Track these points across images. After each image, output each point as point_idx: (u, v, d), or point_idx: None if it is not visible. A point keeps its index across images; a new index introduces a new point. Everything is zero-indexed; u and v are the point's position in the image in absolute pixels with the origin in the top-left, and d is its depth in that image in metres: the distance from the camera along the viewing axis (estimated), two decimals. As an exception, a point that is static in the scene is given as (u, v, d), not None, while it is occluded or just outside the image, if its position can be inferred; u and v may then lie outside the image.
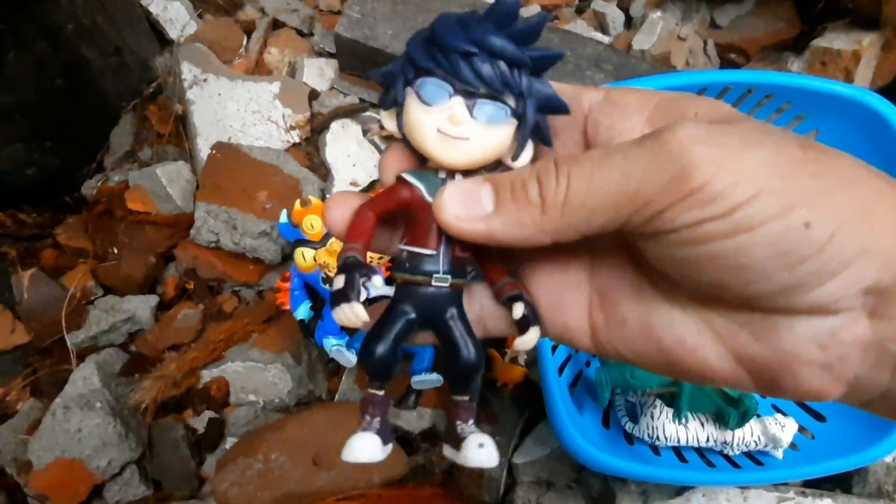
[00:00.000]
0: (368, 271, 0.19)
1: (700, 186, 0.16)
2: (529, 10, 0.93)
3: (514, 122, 0.20)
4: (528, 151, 0.20)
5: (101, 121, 0.83)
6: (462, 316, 0.21)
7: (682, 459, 0.64)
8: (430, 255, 0.20)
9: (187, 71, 0.84)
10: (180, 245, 0.76)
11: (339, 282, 0.19)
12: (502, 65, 0.19)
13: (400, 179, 0.20)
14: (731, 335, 0.19)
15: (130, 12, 0.84)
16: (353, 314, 0.18)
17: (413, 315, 0.20)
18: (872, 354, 0.17)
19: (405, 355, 0.17)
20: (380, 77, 0.21)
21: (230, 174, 0.75)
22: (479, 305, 0.22)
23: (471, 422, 0.20)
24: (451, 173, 0.20)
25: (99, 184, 0.80)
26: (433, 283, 0.20)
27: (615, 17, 0.93)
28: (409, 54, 0.19)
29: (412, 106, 0.19)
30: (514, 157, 0.20)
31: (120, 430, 0.63)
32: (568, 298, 0.22)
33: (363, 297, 0.19)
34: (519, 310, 0.20)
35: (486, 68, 0.18)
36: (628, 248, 0.21)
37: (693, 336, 0.19)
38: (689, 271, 0.18)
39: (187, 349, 0.71)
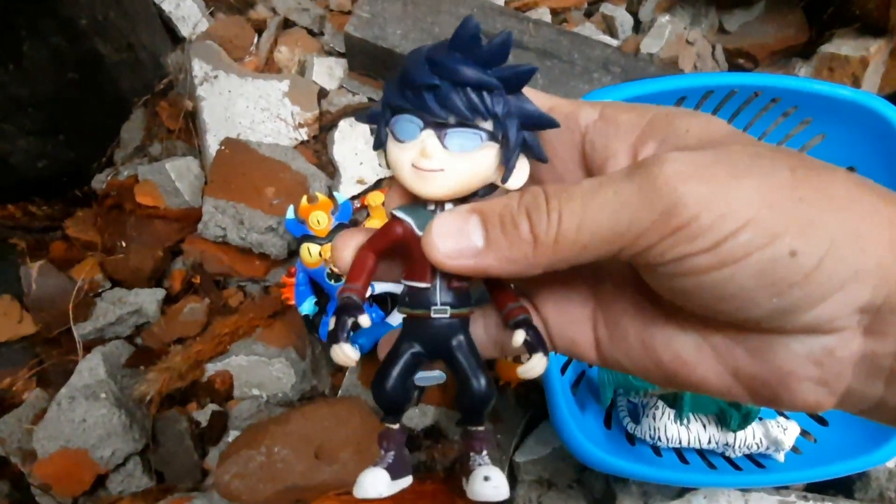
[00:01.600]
0: (357, 312, 0.19)
1: (688, 222, 0.16)
2: (538, 13, 0.94)
3: (494, 146, 0.19)
4: (522, 171, 0.20)
5: (113, 115, 0.84)
6: (469, 344, 0.20)
7: (684, 461, 0.64)
8: (426, 288, 0.20)
9: (198, 68, 0.85)
10: (188, 239, 0.76)
11: (332, 324, 0.20)
12: (469, 91, 0.18)
13: (391, 216, 0.20)
14: (728, 353, 0.19)
15: (143, 9, 0.85)
16: (342, 353, 0.19)
17: (418, 348, 0.20)
18: (865, 368, 0.18)
19: (418, 388, 0.18)
20: (366, 119, 0.21)
21: (238, 170, 0.76)
22: (495, 329, 0.22)
23: (484, 452, 0.20)
24: (441, 205, 0.20)
25: (109, 178, 0.81)
26: (432, 315, 0.20)
27: (624, 20, 0.94)
28: (384, 95, 0.20)
29: (389, 144, 0.20)
30: (504, 179, 0.20)
31: (124, 420, 0.63)
32: (574, 315, 0.22)
33: (354, 332, 0.19)
34: (520, 337, 0.19)
35: (451, 98, 0.18)
36: (629, 269, 0.21)
37: (691, 353, 0.20)
38: (682, 299, 0.18)
39: (192, 342, 0.72)
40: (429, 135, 0.18)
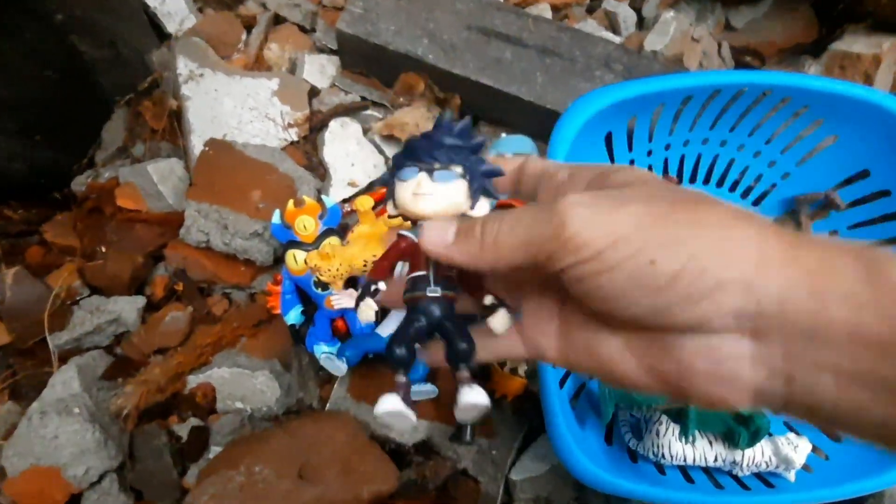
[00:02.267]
0: (378, 283, 0.30)
1: (571, 237, 0.21)
2: (539, 9, 0.90)
3: (464, 182, 0.28)
4: (484, 204, 0.29)
5: (94, 115, 0.81)
6: (454, 318, 0.28)
7: (689, 480, 0.61)
8: (423, 275, 0.29)
9: (183, 65, 0.82)
10: (170, 245, 0.73)
11: (360, 290, 0.30)
12: (447, 149, 0.28)
13: (399, 235, 0.30)
14: (643, 353, 0.24)
15: (127, 5, 0.82)
16: (366, 307, 0.29)
17: (423, 321, 0.28)
18: (763, 369, 0.21)
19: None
20: (381, 183, 0.28)
21: (223, 172, 0.72)
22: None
23: (467, 375, 0.27)
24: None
25: (89, 180, 0.77)
26: (428, 294, 0.28)
27: (627, 16, 0.90)
28: (393, 161, 0.30)
29: (397, 186, 0.29)
30: (472, 207, 0.29)
31: (99, 437, 0.60)
32: (545, 327, 0.28)
33: (374, 297, 0.29)
34: (488, 298, 0.28)
35: (436, 152, 0.28)
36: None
37: (618, 354, 0.25)
38: (587, 300, 0.23)
39: (174, 353, 0.68)
40: (423, 176, 0.28)
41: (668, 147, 0.68)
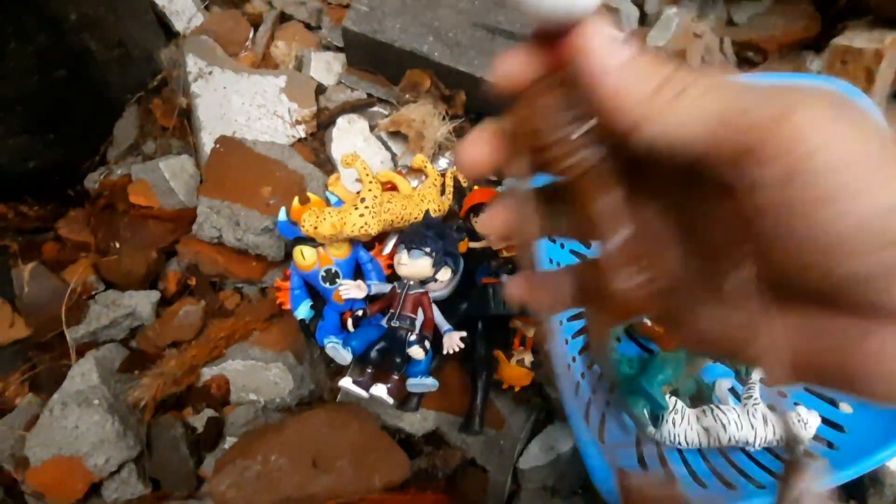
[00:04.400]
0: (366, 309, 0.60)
1: (800, 135, 0.15)
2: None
3: (429, 258, 0.54)
4: (445, 273, 0.52)
5: (105, 113, 0.82)
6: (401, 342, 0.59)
7: (701, 484, 0.61)
8: (392, 313, 0.57)
9: (192, 64, 0.83)
10: (183, 240, 0.74)
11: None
12: (421, 237, 0.56)
13: (392, 288, 0.56)
14: (808, 339, 0.17)
15: (135, 3, 0.83)
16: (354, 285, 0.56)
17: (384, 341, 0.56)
18: None
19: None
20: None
21: (233, 169, 0.74)
22: None
23: (395, 377, 0.58)
24: (408, 281, 0.62)
25: (102, 177, 0.79)
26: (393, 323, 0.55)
27: (630, 12, 0.91)
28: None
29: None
30: (434, 275, 0.48)
31: (118, 427, 0.62)
32: None
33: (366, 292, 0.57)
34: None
35: (415, 238, 0.55)
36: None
37: (766, 332, 0.18)
38: (773, 250, 0.16)
39: (188, 346, 0.70)
40: (404, 251, 0.56)
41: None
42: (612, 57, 0.17)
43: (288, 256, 0.74)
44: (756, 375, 0.65)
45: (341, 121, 0.83)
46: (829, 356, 0.17)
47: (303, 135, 0.83)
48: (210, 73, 0.83)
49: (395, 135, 0.82)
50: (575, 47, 0.17)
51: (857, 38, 0.85)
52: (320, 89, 0.86)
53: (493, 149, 0.20)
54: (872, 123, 0.15)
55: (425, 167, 0.76)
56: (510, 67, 0.20)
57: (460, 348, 0.60)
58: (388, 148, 0.83)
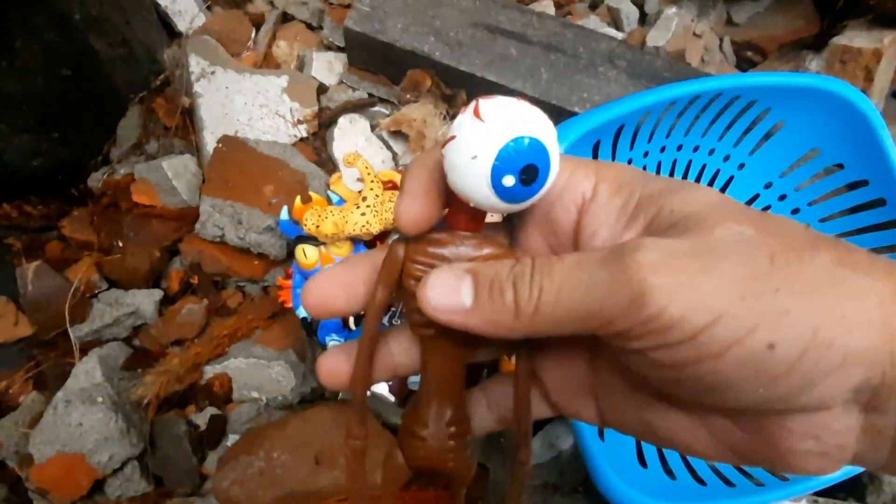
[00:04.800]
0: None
1: (657, 313, 0.16)
2: (542, 6, 0.92)
3: None
4: None
5: (109, 112, 0.82)
6: None
7: (700, 482, 0.62)
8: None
9: (195, 63, 0.83)
10: (185, 239, 0.75)
11: None
12: None
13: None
14: (724, 432, 0.20)
15: (139, 3, 0.83)
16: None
17: None
18: (869, 438, 0.18)
19: None
20: None
21: (236, 168, 0.74)
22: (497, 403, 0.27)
23: None
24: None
25: (105, 176, 0.79)
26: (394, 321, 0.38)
27: (629, 12, 0.92)
28: None
29: None
30: None
31: (121, 425, 0.62)
32: (575, 390, 0.24)
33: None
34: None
35: None
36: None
37: (687, 432, 0.20)
38: (668, 388, 0.19)
39: (191, 344, 0.70)
40: None
41: (629, 162, 0.70)
42: (461, 311, 0.19)
43: (290, 255, 0.74)
44: None
45: (343, 120, 0.83)
46: (753, 445, 0.19)
47: (304, 134, 0.83)
48: (212, 72, 0.83)
49: (397, 134, 0.83)
50: (426, 311, 0.20)
51: (856, 38, 0.85)
52: (322, 89, 0.87)
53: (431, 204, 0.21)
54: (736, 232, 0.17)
55: None
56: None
57: None
58: (389, 147, 0.83)
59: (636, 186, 0.21)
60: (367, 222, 0.64)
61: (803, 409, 0.17)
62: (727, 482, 0.61)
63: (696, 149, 0.72)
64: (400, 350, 0.24)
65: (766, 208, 0.74)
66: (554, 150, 0.19)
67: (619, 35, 0.91)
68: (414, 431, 0.23)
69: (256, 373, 0.69)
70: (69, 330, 0.69)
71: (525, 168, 0.19)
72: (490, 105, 0.19)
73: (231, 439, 0.66)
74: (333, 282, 0.22)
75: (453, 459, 0.23)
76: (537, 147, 0.19)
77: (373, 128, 0.84)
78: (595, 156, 0.67)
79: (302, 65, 0.90)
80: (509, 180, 0.19)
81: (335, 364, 0.23)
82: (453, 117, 0.82)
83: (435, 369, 0.23)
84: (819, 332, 0.16)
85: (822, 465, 0.18)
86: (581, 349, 0.23)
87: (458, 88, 0.82)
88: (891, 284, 0.17)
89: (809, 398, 0.17)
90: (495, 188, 0.19)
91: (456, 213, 0.21)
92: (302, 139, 0.83)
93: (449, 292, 0.19)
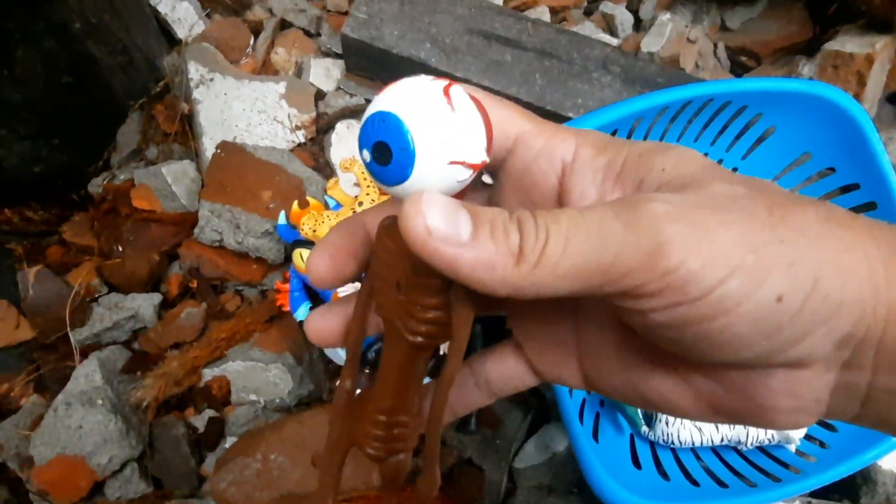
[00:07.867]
0: None
1: (676, 266, 0.16)
2: (537, 12, 0.93)
3: None
4: None
5: (109, 119, 0.83)
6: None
7: (694, 483, 0.62)
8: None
9: (194, 70, 0.84)
10: (184, 244, 0.76)
11: None
12: None
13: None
14: (708, 392, 0.20)
15: (138, 11, 0.84)
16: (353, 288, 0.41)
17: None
18: (843, 392, 0.18)
19: None
20: None
21: (234, 173, 0.75)
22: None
23: None
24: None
25: (105, 182, 0.80)
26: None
27: (624, 19, 0.93)
28: None
29: None
30: None
31: (121, 427, 0.63)
32: (559, 356, 0.23)
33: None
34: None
35: None
36: (606, 313, 0.22)
37: (671, 391, 0.21)
38: (669, 346, 0.19)
39: (189, 348, 0.71)
40: None
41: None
42: (455, 242, 0.16)
43: (288, 259, 0.75)
44: None
45: (340, 126, 0.84)
46: (734, 401, 0.19)
47: (302, 140, 0.84)
48: (211, 79, 0.84)
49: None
50: (412, 236, 0.16)
51: (848, 43, 0.86)
52: (319, 95, 0.88)
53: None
54: (748, 185, 0.18)
55: None
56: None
57: None
58: (386, 152, 0.84)
59: (620, 147, 0.20)
60: None
61: (790, 365, 0.18)
62: (720, 483, 0.62)
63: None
64: None
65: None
66: (425, 135, 0.17)
67: (614, 41, 0.92)
68: (356, 407, 0.23)
69: (254, 376, 0.69)
70: (69, 333, 0.70)
71: (376, 145, 0.18)
72: (395, 83, 0.18)
73: (229, 441, 0.67)
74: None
75: (375, 449, 0.22)
76: (391, 125, 0.17)
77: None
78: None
79: (300, 71, 0.91)
80: (366, 155, 0.18)
81: (323, 321, 0.23)
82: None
83: (393, 361, 0.22)
84: (819, 283, 0.16)
85: (798, 419, 0.19)
86: (565, 311, 0.23)
87: (454, 94, 0.83)
88: (872, 240, 0.17)
89: (801, 350, 0.17)
90: (364, 162, 0.18)
91: None
92: (300, 145, 0.84)
93: (447, 217, 0.16)
